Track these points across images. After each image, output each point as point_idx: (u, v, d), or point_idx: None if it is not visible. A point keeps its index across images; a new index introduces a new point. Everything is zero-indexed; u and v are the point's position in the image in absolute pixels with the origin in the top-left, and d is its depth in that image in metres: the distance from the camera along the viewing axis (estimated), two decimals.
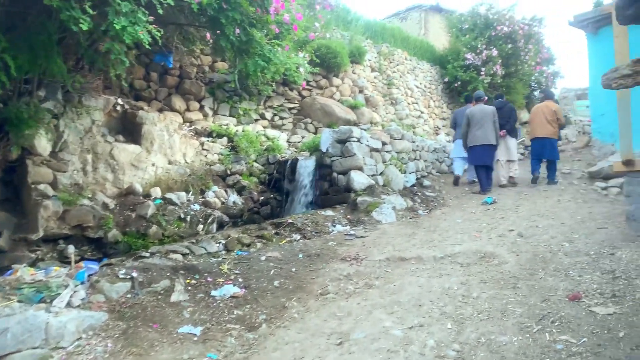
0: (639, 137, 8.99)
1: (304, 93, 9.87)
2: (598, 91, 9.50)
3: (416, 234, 5.74)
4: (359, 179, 7.15)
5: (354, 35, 11.13)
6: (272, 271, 4.56)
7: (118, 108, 6.79)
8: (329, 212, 6.70)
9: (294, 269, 4.64)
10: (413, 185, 8.44)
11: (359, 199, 6.88)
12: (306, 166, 7.59)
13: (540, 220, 6.14)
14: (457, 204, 7.77)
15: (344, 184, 7.26)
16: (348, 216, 6.63)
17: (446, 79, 14.46)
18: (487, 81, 13.84)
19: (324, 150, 7.61)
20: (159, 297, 3.93)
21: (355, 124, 9.84)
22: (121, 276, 3.95)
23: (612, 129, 9.22)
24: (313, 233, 5.89)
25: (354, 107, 9.87)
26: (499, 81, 14.32)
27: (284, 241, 5.63)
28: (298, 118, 9.82)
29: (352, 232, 5.89)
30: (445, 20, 17.57)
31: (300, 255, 5.02)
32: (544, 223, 5.91)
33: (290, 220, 6.10)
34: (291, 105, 9.74)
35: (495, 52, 13.79)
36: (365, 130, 8.68)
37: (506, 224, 6.13)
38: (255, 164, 8.04)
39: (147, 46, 4.67)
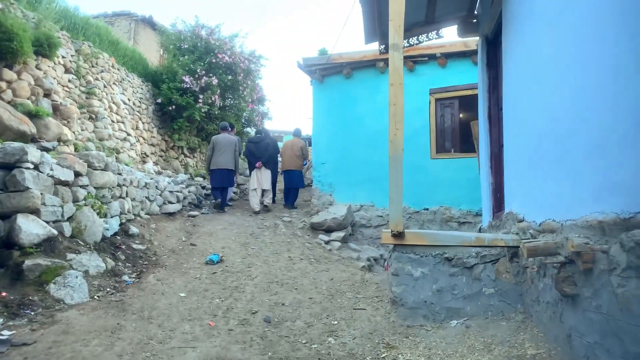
0: (357, 190, 9.27)
1: None
2: (321, 139, 9.44)
3: (123, 329, 3.71)
4: (30, 229, 4.59)
5: (44, 19, 8.18)
6: None
7: None
8: None
9: None
10: (116, 234, 6.24)
11: (28, 261, 4.34)
12: None
13: (282, 292, 5.02)
14: (175, 263, 6.01)
15: (3, 236, 4.56)
16: (3, 294, 4.02)
17: (159, 100, 12.57)
18: (204, 110, 12.66)
19: None
20: None
21: (34, 140, 6.94)
22: None
23: (331, 179, 9.23)
24: None
25: (34, 116, 6.94)
26: (216, 112, 13.36)
27: None
28: None
29: (5, 332, 3.40)
30: (158, 36, 15.79)
31: None
32: (289, 298, 4.79)
33: None
34: None
35: (215, 81, 12.79)
36: (49, 151, 6.08)
37: (244, 299, 4.76)
38: None
39: None
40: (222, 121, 14.23)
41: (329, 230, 8.17)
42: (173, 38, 13.97)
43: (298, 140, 10.35)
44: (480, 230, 6.05)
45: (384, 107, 9.23)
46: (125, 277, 5.18)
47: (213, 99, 12.83)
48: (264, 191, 9.77)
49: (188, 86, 12.49)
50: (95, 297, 4.46)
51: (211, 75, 12.92)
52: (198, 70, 12.79)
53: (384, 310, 4.32)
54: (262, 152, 9.82)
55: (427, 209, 8.26)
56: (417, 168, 8.30)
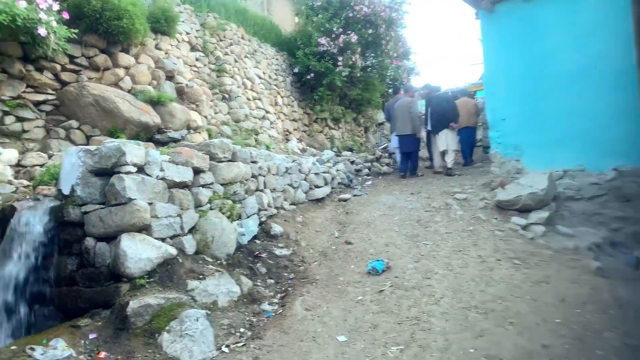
0: (555, 151, 6.92)
1: (66, 77, 5.71)
2: (496, 88, 7.13)
3: None
4: (138, 252, 3.44)
5: None
6: None
7: None
8: (59, 342, 2.90)
9: None
10: (255, 238, 5.00)
11: (134, 302, 3.17)
12: (28, 224, 3.61)
13: (490, 329, 3.16)
14: (328, 275, 4.53)
15: (109, 263, 3.51)
16: (102, 354, 2.90)
17: (296, 70, 11.34)
18: (345, 73, 11.05)
19: (66, 191, 3.73)
20: None
21: (160, 131, 6.05)
22: None
23: (515, 140, 6.91)
24: None
25: (157, 103, 6.06)
26: (358, 74, 11.68)
27: None
28: (56, 120, 5.64)
29: None
30: (291, 3, 14.58)
31: None
32: (507, 345, 2.93)
33: None
34: (41, 98, 5.51)
35: (354, 38, 11.07)
36: (178, 141, 5.06)
37: (434, 346, 3.03)
38: None
39: None
40: (365, 84, 12.67)
41: (524, 210, 6.00)
42: None
43: (468, 99, 10.11)
44: None
45: (588, 30, 6.68)
46: (266, 306, 3.84)
47: (353, 59, 11.16)
48: (445, 152, 9.18)
49: (325, 49, 11.01)
50: (223, 347, 3.15)
51: (349, 32, 11.23)
52: (334, 29, 11.19)
53: None
54: (456, 112, 9.30)
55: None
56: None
